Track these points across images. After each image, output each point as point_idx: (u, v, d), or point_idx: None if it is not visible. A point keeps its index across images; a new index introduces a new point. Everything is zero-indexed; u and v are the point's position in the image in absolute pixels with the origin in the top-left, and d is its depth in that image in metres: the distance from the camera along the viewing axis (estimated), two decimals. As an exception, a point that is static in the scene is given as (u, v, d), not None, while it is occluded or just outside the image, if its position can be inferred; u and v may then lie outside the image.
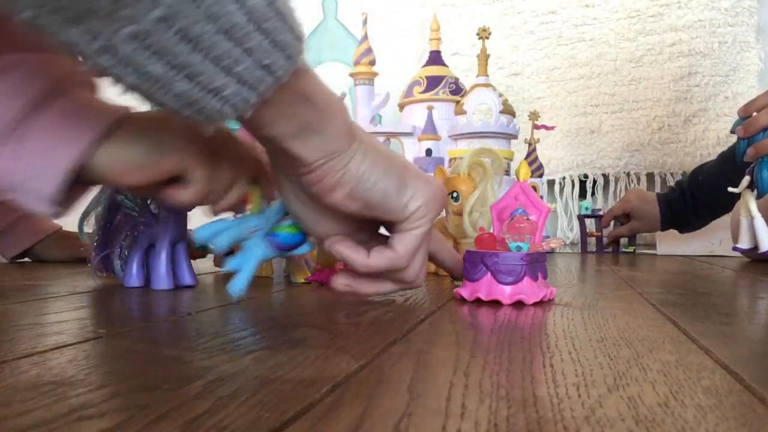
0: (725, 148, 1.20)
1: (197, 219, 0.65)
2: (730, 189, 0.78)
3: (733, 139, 1.08)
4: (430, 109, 1.33)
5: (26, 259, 0.93)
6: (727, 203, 1.16)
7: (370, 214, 0.39)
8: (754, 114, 0.76)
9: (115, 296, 0.50)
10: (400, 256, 0.39)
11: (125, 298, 0.48)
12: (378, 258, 0.39)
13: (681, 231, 1.23)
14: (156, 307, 0.44)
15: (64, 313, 0.39)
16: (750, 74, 1.69)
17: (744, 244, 0.77)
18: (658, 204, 1.21)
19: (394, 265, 0.39)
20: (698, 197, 1.16)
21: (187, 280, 0.54)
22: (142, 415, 0.18)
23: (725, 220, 1.16)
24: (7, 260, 0.91)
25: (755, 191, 0.75)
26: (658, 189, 1.69)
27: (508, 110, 1.27)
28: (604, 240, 1.30)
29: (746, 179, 0.76)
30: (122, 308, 0.44)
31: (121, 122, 0.39)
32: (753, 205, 0.76)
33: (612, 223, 1.29)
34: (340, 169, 0.36)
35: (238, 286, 0.40)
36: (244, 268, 0.41)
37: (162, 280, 0.52)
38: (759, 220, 0.75)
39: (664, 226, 1.22)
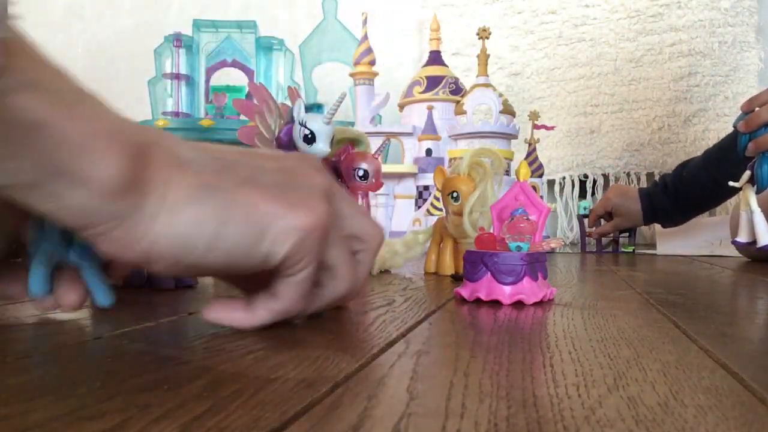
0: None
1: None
2: (731, 183, 0.78)
3: (722, 136, 1.08)
4: (430, 109, 1.33)
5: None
6: (709, 200, 1.18)
7: (225, 273, 0.31)
8: (756, 109, 0.76)
9: (115, 296, 0.50)
10: (287, 308, 0.31)
11: (125, 298, 0.48)
12: (263, 314, 0.31)
13: (663, 226, 1.24)
14: (156, 307, 0.43)
15: (64, 313, 0.39)
16: (750, 74, 1.69)
17: (743, 237, 0.78)
18: (640, 199, 1.21)
19: (284, 315, 0.32)
20: (681, 192, 1.16)
21: (187, 280, 0.54)
22: (142, 415, 0.18)
23: (726, 219, 1.16)
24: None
25: (755, 186, 0.75)
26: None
27: (508, 110, 1.27)
28: (604, 241, 1.30)
29: (747, 174, 0.76)
30: (122, 308, 0.44)
31: None
32: (753, 200, 0.76)
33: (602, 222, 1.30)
34: (138, 240, 0.25)
35: (101, 300, 0.34)
36: (91, 283, 0.34)
37: (162, 279, 0.52)
38: (758, 214, 0.75)
39: (647, 221, 1.23)
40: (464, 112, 1.25)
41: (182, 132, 1.48)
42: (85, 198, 0.24)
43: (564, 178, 1.80)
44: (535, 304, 0.44)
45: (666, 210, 1.19)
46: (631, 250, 1.27)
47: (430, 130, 1.33)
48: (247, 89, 1.58)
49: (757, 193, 0.75)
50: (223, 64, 1.66)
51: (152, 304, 0.45)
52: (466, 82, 1.40)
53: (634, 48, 1.75)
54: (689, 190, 1.15)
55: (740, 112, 0.81)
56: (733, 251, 1.07)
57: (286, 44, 1.69)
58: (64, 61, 0.25)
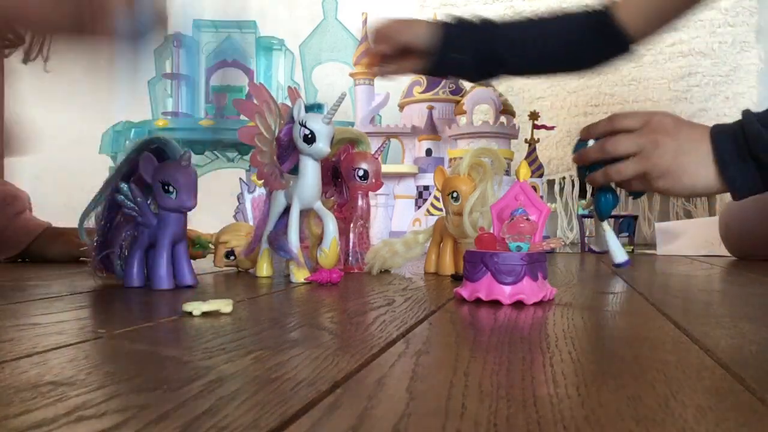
0: None
1: (197, 219, 0.65)
2: (581, 210, 0.77)
3: None
4: (430, 109, 1.33)
5: (19, 260, 0.93)
6: None
7: None
8: (590, 143, 0.69)
9: (115, 296, 0.50)
10: None
11: (125, 298, 0.48)
12: None
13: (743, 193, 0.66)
14: (156, 307, 0.43)
15: (64, 313, 0.39)
16: (750, 74, 1.69)
17: (597, 248, 0.77)
18: (712, 140, 0.61)
19: None
20: None
21: (187, 280, 0.54)
22: (142, 415, 0.18)
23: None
24: (1, 261, 0.91)
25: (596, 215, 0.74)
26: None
27: (508, 110, 1.27)
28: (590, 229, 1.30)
29: (590, 199, 0.75)
30: (122, 308, 0.44)
31: None
32: (605, 222, 0.75)
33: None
34: None
35: None
36: None
37: (162, 280, 0.52)
38: (610, 233, 0.73)
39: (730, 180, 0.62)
40: (464, 112, 1.26)
41: (182, 132, 1.48)
42: None
43: (564, 178, 1.80)
44: (535, 304, 0.44)
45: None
46: (630, 250, 1.27)
47: (430, 130, 1.33)
48: (247, 89, 1.58)
49: (601, 220, 0.73)
50: (223, 64, 1.66)
51: (152, 304, 0.45)
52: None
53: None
54: None
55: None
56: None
57: (286, 44, 1.69)
58: (64, 61, 0.25)
